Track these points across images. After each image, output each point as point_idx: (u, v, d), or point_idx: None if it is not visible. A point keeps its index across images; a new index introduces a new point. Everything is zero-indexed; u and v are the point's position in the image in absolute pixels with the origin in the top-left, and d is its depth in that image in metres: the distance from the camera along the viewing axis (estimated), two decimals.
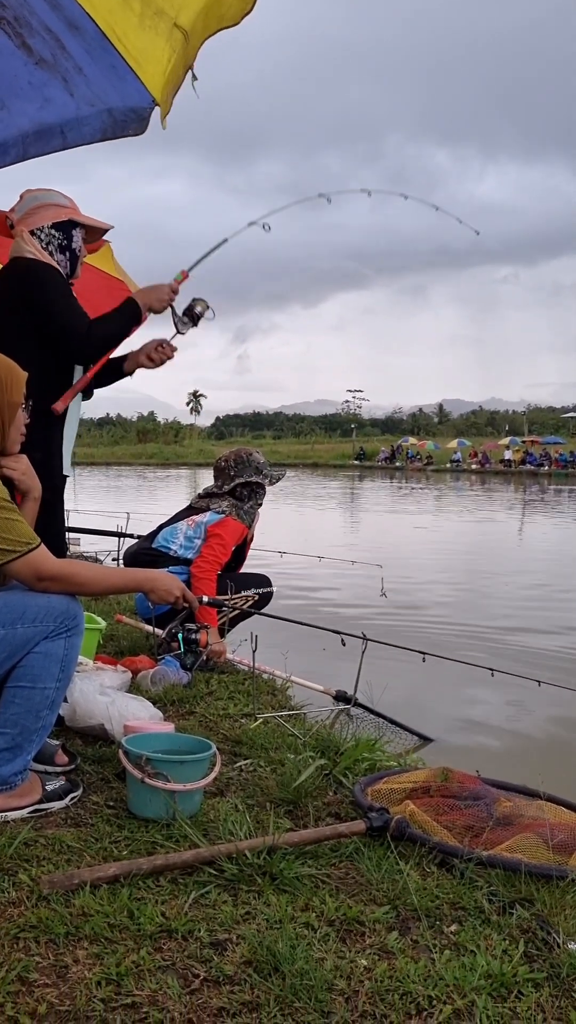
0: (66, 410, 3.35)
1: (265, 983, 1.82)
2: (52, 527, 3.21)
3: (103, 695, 3.34)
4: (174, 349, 3.57)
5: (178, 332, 3.55)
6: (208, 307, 3.52)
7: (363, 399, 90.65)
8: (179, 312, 3.50)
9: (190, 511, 5.13)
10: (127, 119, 3.02)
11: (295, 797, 2.83)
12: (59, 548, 3.34)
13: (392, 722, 4.41)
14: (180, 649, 3.52)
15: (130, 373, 3.65)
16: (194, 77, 2.98)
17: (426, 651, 4.49)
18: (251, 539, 5.19)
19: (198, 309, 3.52)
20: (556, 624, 7.76)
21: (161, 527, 5.12)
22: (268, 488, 5.12)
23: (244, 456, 5.11)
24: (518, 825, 2.61)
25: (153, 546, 5.01)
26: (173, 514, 5.22)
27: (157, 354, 3.55)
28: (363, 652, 4.30)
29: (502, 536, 17.62)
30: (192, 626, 3.42)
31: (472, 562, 13.15)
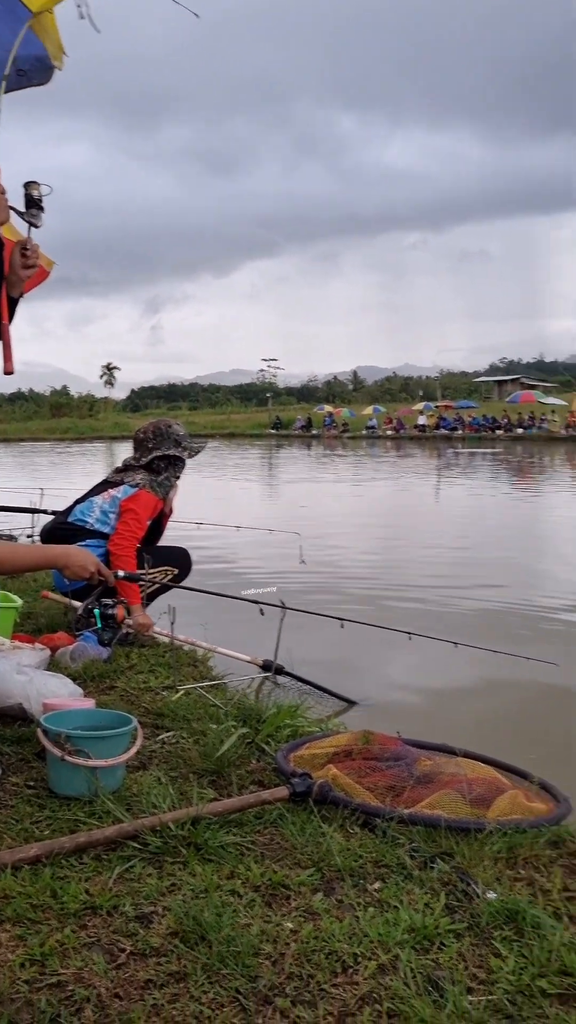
0: None
1: (192, 952, 1.83)
2: None
3: (20, 674, 3.28)
4: (36, 244, 3.46)
5: (33, 226, 3.41)
6: (39, 184, 3.41)
7: (278, 368, 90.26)
8: (20, 208, 3.39)
9: (106, 485, 5.05)
10: (32, 68, 2.91)
11: (218, 767, 2.84)
12: None
13: (315, 687, 4.45)
14: (97, 625, 3.48)
15: (21, 294, 3.51)
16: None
17: (345, 617, 4.53)
18: (170, 512, 5.14)
19: (35, 194, 3.38)
20: (472, 586, 7.93)
21: (77, 502, 5.04)
22: (188, 460, 5.07)
23: (163, 428, 5.04)
24: (438, 782, 2.68)
25: (69, 520, 4.93)
26: (89, 488, 5.14)
27: (30, 259, 3.41)
28: (281, 620, 4.32)
29: (419, 501, 17.88)
30: (108, 601, 3.38)
31: (390, 527, 13.33)
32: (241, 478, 23.93)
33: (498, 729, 4.36)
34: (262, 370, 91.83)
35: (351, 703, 4.48)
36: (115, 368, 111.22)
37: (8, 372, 3.26)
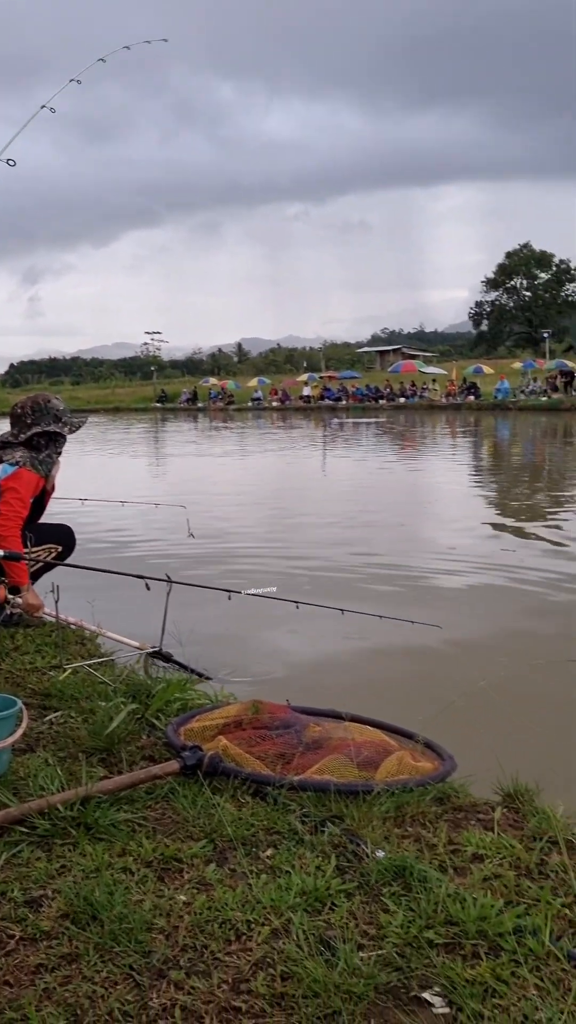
0: None
1: (83, 933, 1.81)
2: None
3: None
4: None
5: None
6: None
7: (162, 341, 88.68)
8: None
9: None
10: None
11: (108, 744, 2.81)
12: None
13: (190, 670, 4.38)
14: None
15: None
16: None
17: (232, 589, 4.53)
18: (52, 489, 5.01)
19: None
20: (358, 554, 8.05)
21: None
22: (68, 435, 4.94)
23: (42, 403, 4.88)
24: (327, 748, 2.72)
25: None
26: None
27: None
28: (168, 594, 4.28)
29: (305, 471, 18.02)
30: None
31: (277, 498, 13.39)
32: (127, 453, 23.58)
33: (386, 692, 4.45)
34: (146, 343, 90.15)
35: (203, 677, 4.42)
36: None
37: None
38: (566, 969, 1.73)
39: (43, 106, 4.24)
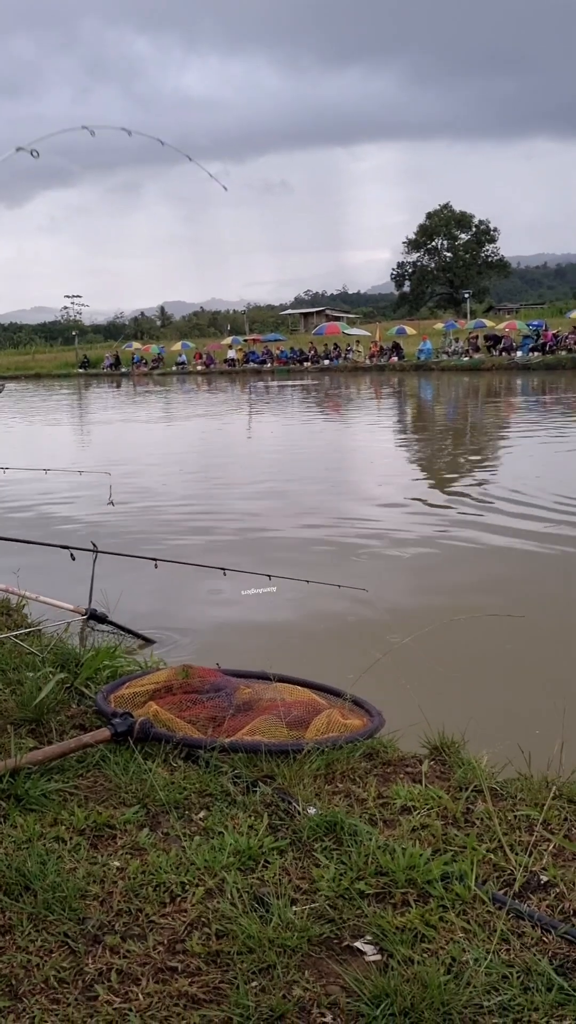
0: None
1: (16, 904, 1.81)
2: None
3: None
4: None
5: None
6: None
7: (83, 305, 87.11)
8: None
9: None
10: None
11: (37, 715, 2.79)
12: None
13: (125, 630, 4.39)
14: None
15: None
16: None
17: (158, 557, 4.51)
18: None
19: None
20: (284, 519, 8.07)
21: None
22: None
23: None
24: (257, 709, 2.75)
25: None
26: None
27: None
28: (94, 562, 4.25)
29: (231, 435, 17.93)
30: None
31: (204, 463, 13.31)
32: (49, 420, 23.11)
33: (314, 653, 4.50)
34: (66, 307, 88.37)
35: (149, 641, 4.43)
36: None
37: None
38: (491, 911, 1.80)
39: None
